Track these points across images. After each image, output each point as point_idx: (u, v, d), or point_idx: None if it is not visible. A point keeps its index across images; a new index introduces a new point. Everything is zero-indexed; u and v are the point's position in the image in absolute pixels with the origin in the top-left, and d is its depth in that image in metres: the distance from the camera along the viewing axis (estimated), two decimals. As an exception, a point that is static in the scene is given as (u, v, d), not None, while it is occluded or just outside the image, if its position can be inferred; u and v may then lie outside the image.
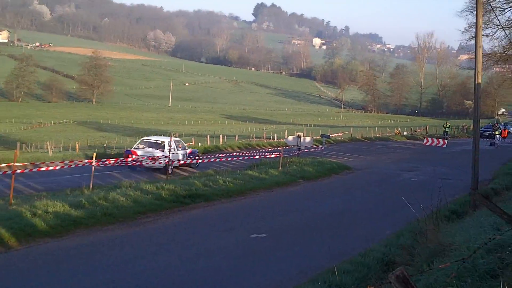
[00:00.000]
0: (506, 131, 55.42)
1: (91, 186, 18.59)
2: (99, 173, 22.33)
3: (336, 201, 19.25)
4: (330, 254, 11.75)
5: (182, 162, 26.59)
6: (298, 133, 34.22)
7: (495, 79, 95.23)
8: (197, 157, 28.00)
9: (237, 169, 25.73)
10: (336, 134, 57.79)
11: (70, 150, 46.21)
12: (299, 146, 30.29)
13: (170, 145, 25.84)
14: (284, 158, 27.08)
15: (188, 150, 29.23)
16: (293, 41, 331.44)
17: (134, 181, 20.34)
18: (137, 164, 24.61)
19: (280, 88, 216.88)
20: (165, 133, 66.41)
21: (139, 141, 29.47)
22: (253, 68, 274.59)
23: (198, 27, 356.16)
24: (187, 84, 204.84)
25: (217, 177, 21.20)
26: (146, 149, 26.75)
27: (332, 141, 47.73)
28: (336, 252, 11.91)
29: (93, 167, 19.46)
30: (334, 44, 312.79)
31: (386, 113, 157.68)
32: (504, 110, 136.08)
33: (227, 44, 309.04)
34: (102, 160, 21.43)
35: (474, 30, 17.21)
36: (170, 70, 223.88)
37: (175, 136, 33.33)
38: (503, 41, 33.21)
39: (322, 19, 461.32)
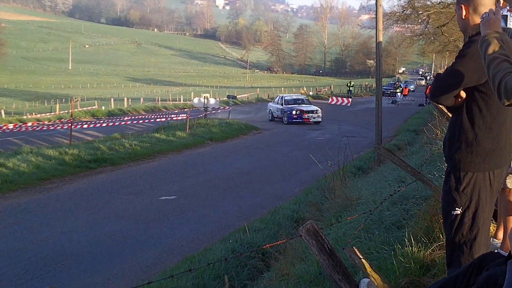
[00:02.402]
0: (407, 89, 57.53)
1: (-12, 153, 17.75)
2: (-3, 140, 21.37)
3: (245, 161, 19.34)
4: (241, 213, 11.80)
5: None
6: (204, 95, 34.02)
7: (395, 39, 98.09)
8: None
9: (143, 132, 25.27)
10: (242, 95, 57.93)
11: (-36, 117, 43.86)
12: (206, 108, 30.16)
13: None
14: (191, 120, 26.89)
15: None
16: (196, 1, 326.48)
17: (35, 146, 19.55)
18: None
19: (184, 49, 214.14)
20: (66, 97, 64.33)
21: None
22: (155, 29, 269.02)
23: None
24: (87, 46, 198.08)
25: (123, 140, 20.76)
26: None
27: (239, 102, 47.84)
28: (246, 211, 11.99)
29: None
30: (238, 4, 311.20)
31: (291, 73, 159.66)
32: (404, 69, 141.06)
33: (128, 4, 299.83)
34: (0, 125, 20.47)
35: (375, -10, 17.51)
36: (69, 32, 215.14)
37: (76, 101, 32.26)
38: (401, 1, 34.17)
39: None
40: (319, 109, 32.79)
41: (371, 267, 3.84)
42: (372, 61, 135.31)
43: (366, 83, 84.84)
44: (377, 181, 9.13)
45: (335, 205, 8.73)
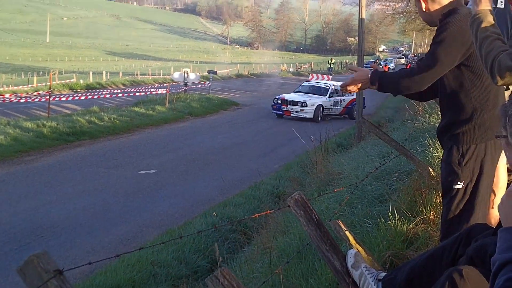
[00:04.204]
0: (387, 67, 57.69)
1: (-35, 125, 17.44)
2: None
3: (225, 136, 19.27)
4: (221, 188, 11.78)
5: None
6: (184, 69, 33.73)
7: (376, 16, 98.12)
8: None
9: (122, 106, 25.02)
10: (223, 71, 57.66)
11: None
12: (186, 83, 29.94)
13: None
14: (171, 94, 26.68)
15: None
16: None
17: (12, 119, 19.26)
18: None
19: (164, 24, 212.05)
20: (43, 70, 63.48)
21: None
22: (135, 3, 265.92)
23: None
24: (65, 18, 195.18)
25: (102, 114, 20.54)
26: None
27: (219, 78, 47.61)
28: (227, 186, 11.96)
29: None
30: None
31: (272, 50, 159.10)
32: (384, 47, 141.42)
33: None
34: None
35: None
36: (46, 4, 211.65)
37: (54, 74, 31.77)
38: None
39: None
40: (313, 102, 24.51)
41: (355, 240, 3.83)
42: (353, 39, 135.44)
43: (347, 60, 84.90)
44: (359, 157, 9.13)
45: (317, 180, 8.74)
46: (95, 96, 26.03)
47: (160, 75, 53.54)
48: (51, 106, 21.16)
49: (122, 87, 37.33)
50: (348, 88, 3.43)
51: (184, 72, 30.60)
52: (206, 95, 29.28)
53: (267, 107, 27.56)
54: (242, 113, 26.54)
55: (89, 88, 35.37)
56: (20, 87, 39.12)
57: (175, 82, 31.55)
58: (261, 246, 6.28)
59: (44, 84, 37.99)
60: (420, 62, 3.11)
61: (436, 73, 3.03)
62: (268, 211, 4.61)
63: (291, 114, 24.05)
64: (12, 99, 21.08)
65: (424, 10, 3.17)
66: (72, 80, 40.88)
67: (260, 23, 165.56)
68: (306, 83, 28.28)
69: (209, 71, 41.88)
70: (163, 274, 6.77)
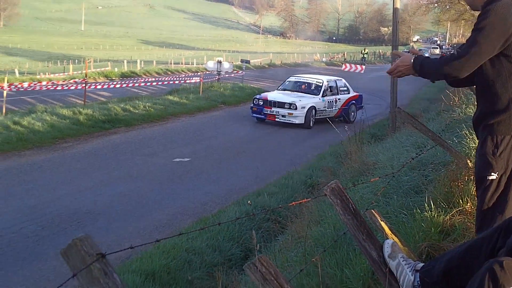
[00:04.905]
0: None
1: (3, 111, 17.81)
2: (11, 98, 21.39)
3: (258, 125, 19.31)
4: (254, 177, 11.84)
5: None
6: (218, 59, 33.82)
7: (410, 6, 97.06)
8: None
9: (156, 95, 25.26)
10: (255, 60, 57.64)
11: (-22, 75, 43.95)
12: (219, 72, 30.03)
13: None
14: (205, 83, 26.80)
15: None
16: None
17: (49, 106, 19.59)
18: None
19: (197, 13, 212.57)
20: (79, 58, 64.24)
21: None
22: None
23: None
24: (100, 7, 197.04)
25: (137, 102, 20.75)
26: None
27: (252, 67, 47.62)
28: (260, 175, 12.02)
29: (5, 92, 18.59)
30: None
31: (305, 39, 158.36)
32: (418, 37, 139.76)
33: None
34: (15, 84, 20.48)
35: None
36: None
37: (89, 62, 32.11)
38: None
39: None
40: (304, 103, 19.46)
41: (390, 230, 3.83)
42: (386, 29, 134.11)
43: (380, 50, 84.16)
44: (394, 147, 9.06)
45: (351, 170, 8.71)
46: (130, 85, 26.28)
47: (193, 64, 53.76)
48: (86, 93, 21.46)
49: (156, 75, 37.63)
50: (392, 75, 3.48)
51: (218, 61, 30.68)
52: (239, 84, 29.34)
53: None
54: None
55: (123, 76, 35.76)
56: (57, 74, 39.77)
57: (209, 71, 31.66)
58: (295, 235, 6.31)
59: (79, 72, 38.51)
60: (460, 49, 3.10)
61: (475, 61, 3.01)
62: (304, 200, 4.63)
63: (277, 119, 19.22)
64: (49, 86, 21.41)
65: None
66: (107, 68, 41.37)
67: (292, 12, 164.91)
68: (292, 78, 22.69)
69: (242, 60, 41.97)
70: (197, 261, 6.84)
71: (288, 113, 19.04)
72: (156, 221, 8.84)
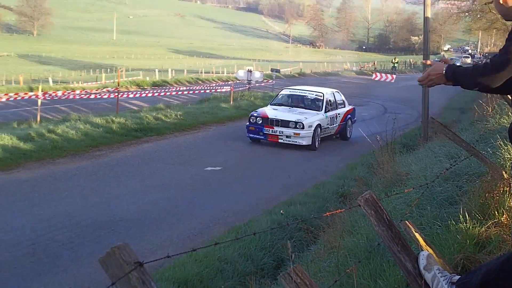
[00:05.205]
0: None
1: (38, 119, 18.15)
2: (45, 107, 21.78)
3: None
4: (285, 187, 11.87)
5: None
6: (248, 68, 33.95)
7: (441, 15, 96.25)
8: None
9: (187, 104, 25.46)
10: (285, 69, 57.70)
11: (13, 84, 44.71)
12: (250, 81, 30.13)
13: None
14: (235, 92, 26.94)
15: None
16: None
17: (82, 114, 19.89)
18: None
19: (226, 22, 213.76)
20: (111, 67, 65.04)
21: None
22: (198, 1, 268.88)
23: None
24: (131, 17, 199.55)
25: (168, 110, 20.95)
26: None
27: (282, 76, 47.69)
28: (291, 184, 12.05)
29: (40, 100, 18.94)
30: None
31: (334, 48, 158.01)
32: (449, 46, 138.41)
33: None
34: (49, 92, 20.85)
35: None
36: (112, 2, 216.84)
37: (121, 71, 32.50)
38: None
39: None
40: (311, 121, 16.69)
41: (425, 242, 3.82)
42: (416, 38, 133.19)
43: (411, 59, 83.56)
44: (426, 157, 9.01)
45: (384, 180, 8.69)
46: (161, 93, 26.53)
47: (223, 73, 54.04)
48: (119, 102, 21.74)
49: (187, 84, 37.91)
50: (423, 83, 3.47)
51: (248, 70, 30.79)
52: (269, 93, 29.41)
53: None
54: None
55: (155, 85, 36.12)
56: (89, 83, 40.37)
57: (239, 80, 31.80)
58: (328, 245, 6.31)
59: (112, 81, 39.06)
60: (493, 58, 3.08)
61: (509, 70, 2.99)
62: (339, 210, 4.64)
63: (280, 140, 16.54)
64: (82, 95, 21.78)
65: (501, 2, 3.09)
66: (138, 77, 41.83)
67: (322, 21, 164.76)
68: (286, 91, 19.67)
69: (272, 69, 42.01)
70: (229, 270, 6.87)
71: (294, 133, 16.38)
72: (189, 230, 8.91)
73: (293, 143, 16.38)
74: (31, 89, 28.62)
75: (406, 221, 3.88)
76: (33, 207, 9.60)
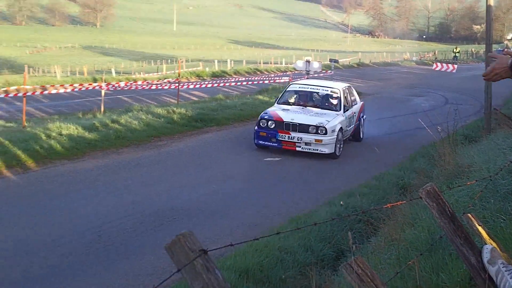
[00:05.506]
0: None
1: (102, 109, 18.63)
2: (109, 97, 22.31)
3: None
4: (345, 177, 11.86)
5: None
6: (306, 58, 33.80)
7: (504, 3, 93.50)
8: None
9: (246, 94, 25.63)
10: (344, 59, 57.23)
11: (78, 75, 45.99)
12: (308, 71, 29.99)
13: None
14: (294, 82, 26.91)
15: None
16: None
17: (145, 105, 20.31)
18: None
19: (285, 12, 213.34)
20: (171, 58, 65.94)
21: None
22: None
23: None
24: (190, 8, 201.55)
25: (228, 101, 21.15)
26: None
27: (340, 66, 47.35)
28: (350, 175, 12.05)
29: (103, 91, 19.43)
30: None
31: (394, 38, 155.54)
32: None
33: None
34: (112, 83, 21.36)
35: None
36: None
37: (182, 62, 32.90)
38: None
39: None
40: (333, 125, 14.05)
41: (489, 235, 3.79)
42: (479, 27, 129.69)
43: (473, 49, 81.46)
44: (489, 149, 8.84)
45: (445, 172, 8.58)
46: (221, 84, 26.78)
47: (282, 64, 54.02)
48: (180, 93, 22.08)
49: (246, 75, 38.12)
50: (488, 78, 3.40)
51: (307, 61, 30.67)
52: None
53: (390, 96, 27.14)
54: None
55: (214, 76, 36.45)
56: (151, 74, 41.11)
57: (297, 70, 31.72)
58: (388, 238, 6.30)
59: (172, 71, 39.62)
60: None
61: None
62: (399, 202, 4.65)
63: (298, 148, 13.91)
64: (144, 86, 22.24)
65: None
66: (198, 68, 42.32)
67: (381, 10, 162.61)
68: (295, 87, 16.63)
69: (330, 60, 41.70)
70: (290, 260, 6.93)
71: (316, 140, 13.72)
72: (249, 219, 9.02)
73: (314, 151, 13.81)
74: (95, 80, 29.32)
75: (469, 214, 3.86)
76: (98, 196, 9.91)
